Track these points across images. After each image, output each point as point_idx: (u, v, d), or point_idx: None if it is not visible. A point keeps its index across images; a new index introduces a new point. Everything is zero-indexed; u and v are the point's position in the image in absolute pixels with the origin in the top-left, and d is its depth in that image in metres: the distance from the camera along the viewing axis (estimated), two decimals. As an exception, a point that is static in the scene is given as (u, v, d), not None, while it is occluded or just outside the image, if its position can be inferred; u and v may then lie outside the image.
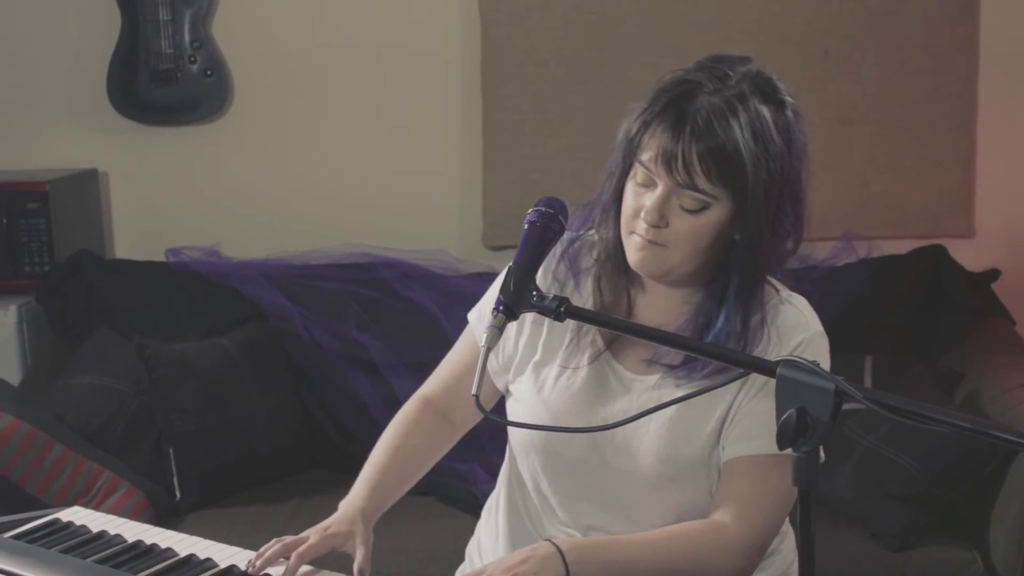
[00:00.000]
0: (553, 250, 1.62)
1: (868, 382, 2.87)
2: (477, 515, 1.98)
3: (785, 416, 1.26)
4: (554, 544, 1.55)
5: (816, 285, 2.70)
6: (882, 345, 3.05)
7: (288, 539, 1.61)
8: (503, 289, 1.49)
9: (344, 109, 3.54)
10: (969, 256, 3.32)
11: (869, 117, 3.43)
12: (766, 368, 1.32)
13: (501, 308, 1.48)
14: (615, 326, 1.59)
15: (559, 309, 1.47)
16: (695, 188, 1.53)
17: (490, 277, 2.09)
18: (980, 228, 3.51)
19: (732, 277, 1.60)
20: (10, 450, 2.64)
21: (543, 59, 3.44)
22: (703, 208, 1.55)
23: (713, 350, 1.51)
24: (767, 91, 1.58)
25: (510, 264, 1.52)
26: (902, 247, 3.31)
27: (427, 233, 3.49)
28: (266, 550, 1.60)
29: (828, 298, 2.53)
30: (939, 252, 3.29)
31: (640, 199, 1.58)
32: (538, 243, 1.53)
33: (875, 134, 3.45)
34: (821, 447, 1.26)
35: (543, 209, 1.54)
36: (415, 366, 2.87)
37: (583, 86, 3.44)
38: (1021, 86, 3.45)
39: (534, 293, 1.49)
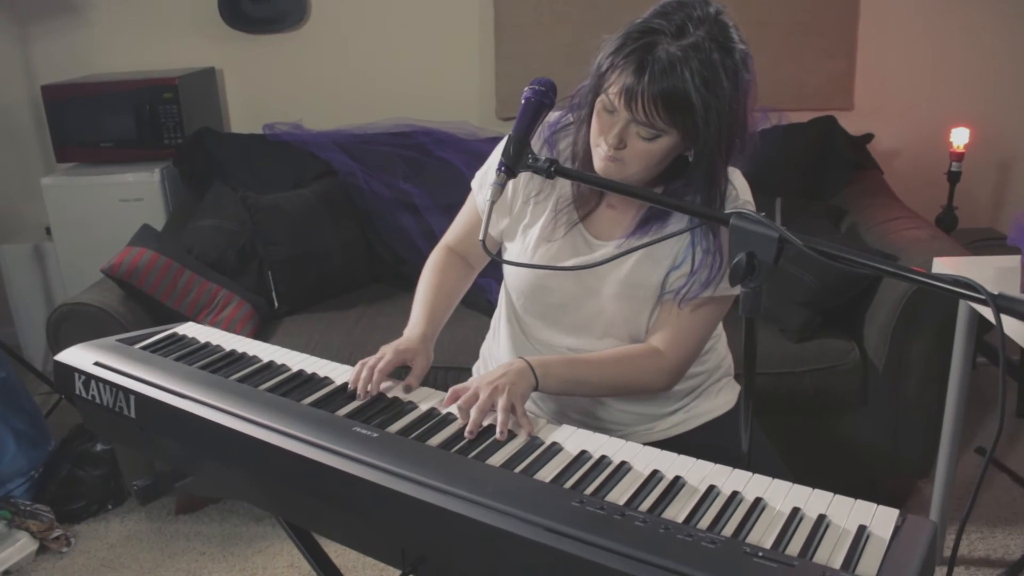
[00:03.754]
0: (538, 132, 1.37)
1: (778, 218, 2.63)
2: (491, 316, 1.76)
3: (736, 259, 1.02)
4: (525, 360, 1.34)
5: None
6: (789, 189, 2.81)
7: (369, 360, 1.37)
8: (504, 152, 1.24)
9: (393, 19, 3.26)
10: (851, 124, 3.08)
11: (780, 20, 3.12)
12: (721, 219, 1.07)
13: (503, 168, 1.24)
14: (596, 183, 1.33)
15: (550, 168, 1.23)
16: (650, 124, 1.26)
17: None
18: (858, 103, 3.24)
19: (693, 177, 1.34)
20: (153, 276, 2.46)
21: (539, -22, 3.12)
22: (656, 137, 1.28)
23: (679, 204, 1.25)
24: (721, 39, 1.25)
25: (510, 132, 1.26)
26: (803, 117, 3.06)
27: (455, 108, 3.25)
28: (358, 377, 1.34)
29: (751, 155, 2.33)
30: (830, 121, 3.03)
31: (605, 122, 1.31)
32: (534, 115, 1.26)
33: (784, 33, 3.13)
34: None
35: (536, 87, 1.27)
36: (445, 207, 2.73)
37: (569, -1, 3.13)
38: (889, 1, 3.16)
39: (529, 156, 1.24)
